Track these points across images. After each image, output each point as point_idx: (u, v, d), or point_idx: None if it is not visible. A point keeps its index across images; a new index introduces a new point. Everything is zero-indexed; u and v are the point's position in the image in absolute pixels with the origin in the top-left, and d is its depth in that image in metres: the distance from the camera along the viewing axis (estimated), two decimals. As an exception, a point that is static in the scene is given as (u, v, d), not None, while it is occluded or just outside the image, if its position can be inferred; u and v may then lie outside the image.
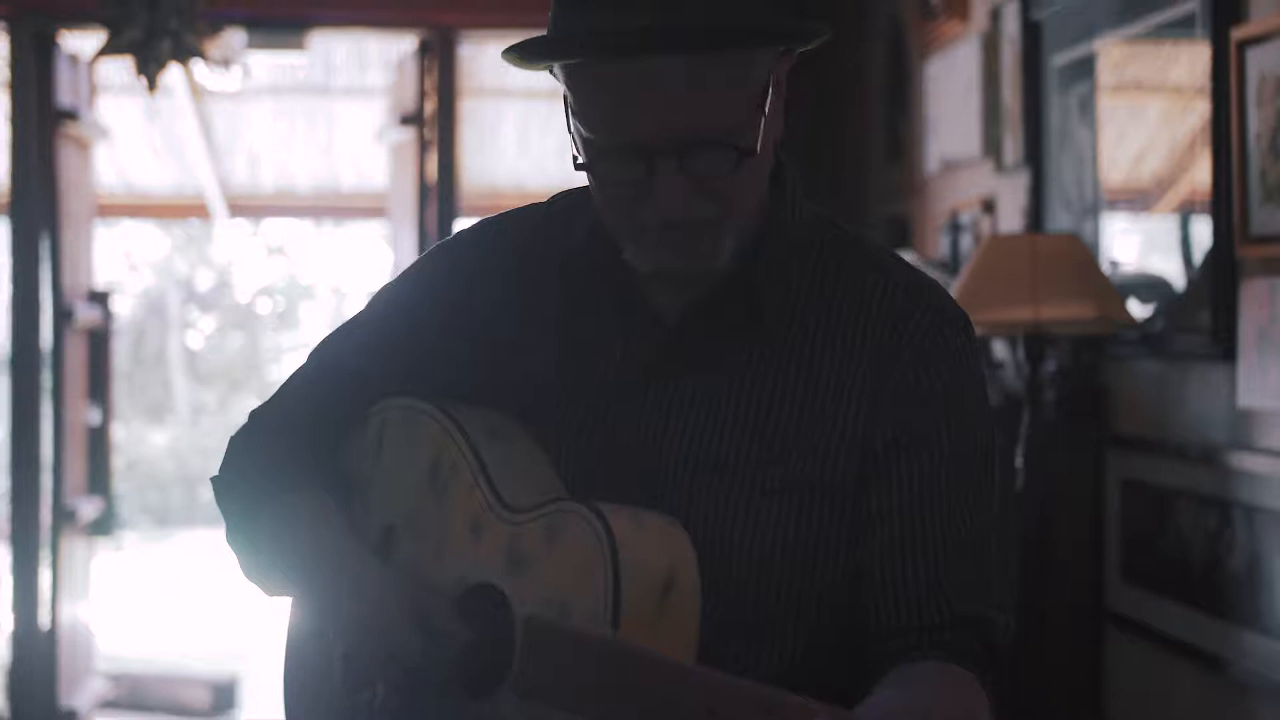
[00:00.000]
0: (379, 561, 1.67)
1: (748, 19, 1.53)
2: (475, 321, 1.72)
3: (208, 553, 13.40)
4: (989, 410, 1.66)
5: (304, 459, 1.76)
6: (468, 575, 1.61)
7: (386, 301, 1.80)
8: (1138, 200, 3.90)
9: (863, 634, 1.61)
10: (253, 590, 1.81)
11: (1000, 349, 4.18)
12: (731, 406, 1.62)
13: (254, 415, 1.82)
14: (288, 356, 17.38)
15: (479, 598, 1.60)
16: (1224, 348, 3.35)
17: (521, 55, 1.56)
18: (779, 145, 1.64)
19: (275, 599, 1.79)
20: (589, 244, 1.66)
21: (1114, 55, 3.91)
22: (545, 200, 1.78)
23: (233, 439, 1.81)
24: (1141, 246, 3.93)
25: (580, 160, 1.57)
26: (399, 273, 1.81)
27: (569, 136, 1.59)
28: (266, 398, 1.85)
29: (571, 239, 1.68)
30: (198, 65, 5.09)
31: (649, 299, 1.65)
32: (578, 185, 1.69)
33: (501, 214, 1.80)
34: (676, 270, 1.60)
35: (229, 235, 16.57)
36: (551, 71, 1.60)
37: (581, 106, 1.55)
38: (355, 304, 17.07)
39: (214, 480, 1.79)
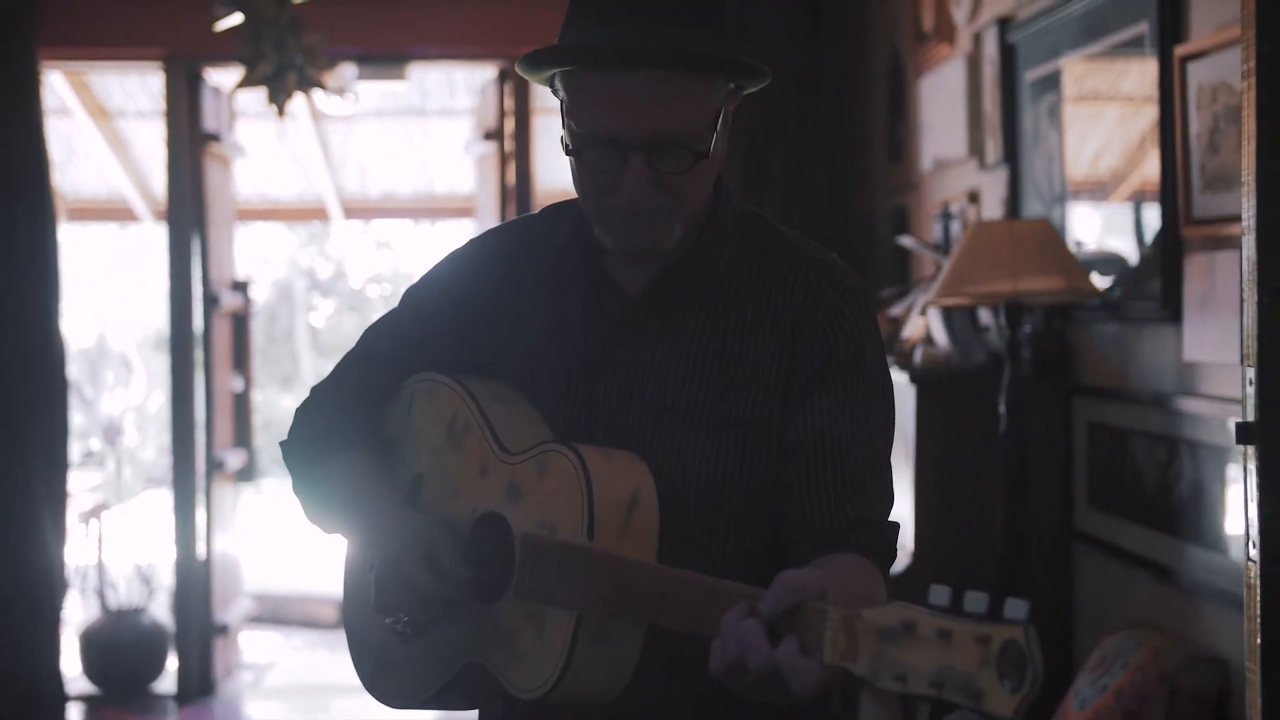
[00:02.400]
0: (407, 509, 1.75)
1: (715, 52, 1.61)
2: (480, 309, 1.80)
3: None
4: (884, 362, 1.74)
5: (349, 425, 1.84)
6: (478, 507, 1.71)
7: (413, 298, 1.88)
8: (1097, 191, 3.89)
9: (785, 539, 1.69)
10: (314, 529, 1.91)
11: (985, 316, 4.18)
12: (681, 363, 1.70)
13: (314, 390, 1.91)
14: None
15: (486, 524, 1.70)
16: (1171, 312, 3.34)
17: (530, 64, 1.65)
18: (723, 161, 1.72)
19: (331, 537, 1.89)
20: (571, 239, 1.75)
21: (1075, 71, 3.90)
22: (537, 211, 1.88)
23: (297, 410, 1.90)
24: (1100, 229, 3.92)
25: (570, 147, 1.65)
26: (423, 274, 1.90)
27: (562, 130, 1.68)
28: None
29: (557, 236, 1.77)
30: (318, 94, 5.11)
31: (616, 279, 1.74)
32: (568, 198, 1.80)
33: (502, 224, 1.90)
34: (634, 248, 1.68)
35: (344, 233, 16.64)
36: (551, 84, 1.68)
37: (574, 106, 1.64)
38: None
39: (282, 444, 1.89)
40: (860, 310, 1.71)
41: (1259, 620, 1.74)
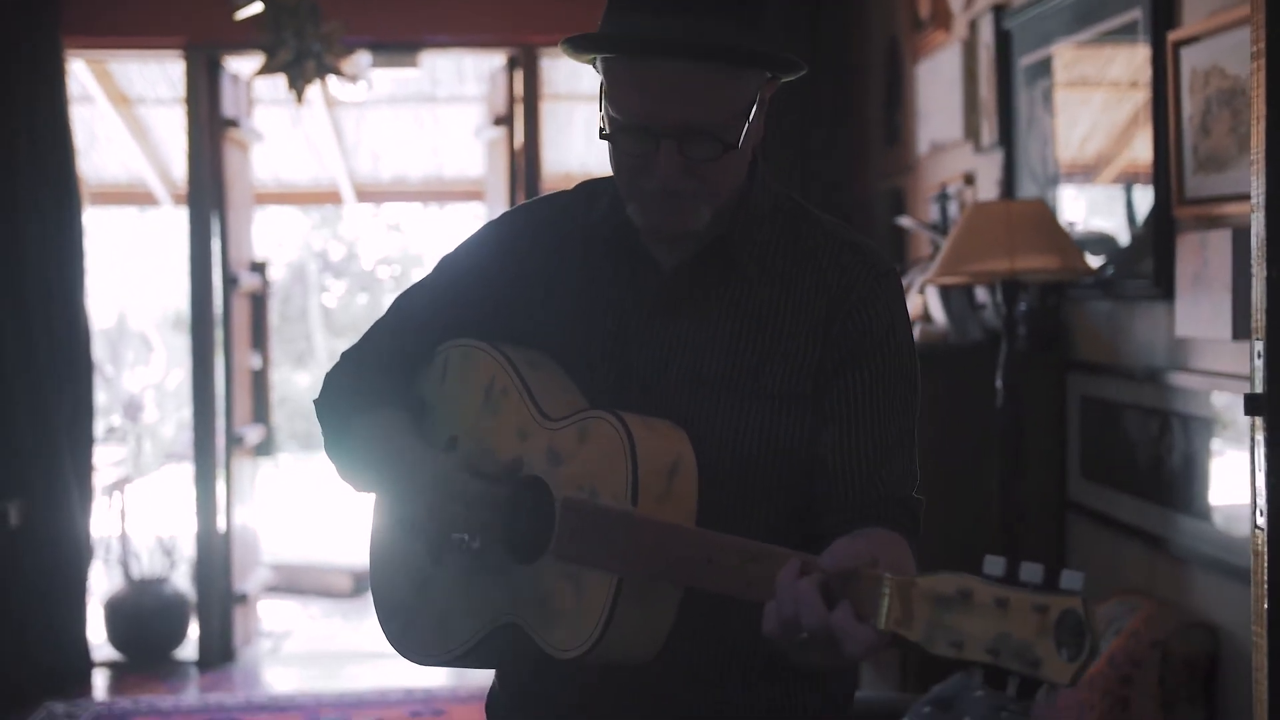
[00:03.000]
0: (444, 456, 1.74)
1: (747, 45, 1.60)
2: (515, 279, 1.79)
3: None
4: (912, 343, 1.74)
5: (384, 386, 1.83)
6: (516, 470, 1.70)
7: (447, 266, 1.86)
8: (1087, 172, 3.88)
9: (816, 510, 1.68)
10: (346, 488, 1.89)
11: (982, 294, 4.17)
12: (717, 335, 1.69)
13: (345, 355, 1.89)
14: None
15: (527, 487, 1.68)
16: (1163, 289, 3.34)
17: (574, 46, 1.65)
18: (759, 146, 1.71)
19: (363, 493, 1.87)
20: (608, 216, 1.74)
21: (1067, 56, 3.88)
22: (571, 188, 1.87)
23: (328, 374, 1.89)
24: (1090, 209, 3.91)
25: (605, 131, 1.65)
26: (458, 244, 1.88)
27: (599, 113, 1.67)
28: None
29: (593, 213, 1.77)
30: (333, 80, 5.09)
31: (651, 254, 1.73)
32: (602, 175, 1.79)
33: (536, 198, 1.89)
34: (663, 229, 1.67)
35: (356, 216, 16.61)
36: (594, 64, 1.67)
37: (612, 91, 1.63)
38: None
39: (315, 403, 1.88)
40: (892, 292, 1.71)
41: (1266, 586, 1.73)
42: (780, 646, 1.43)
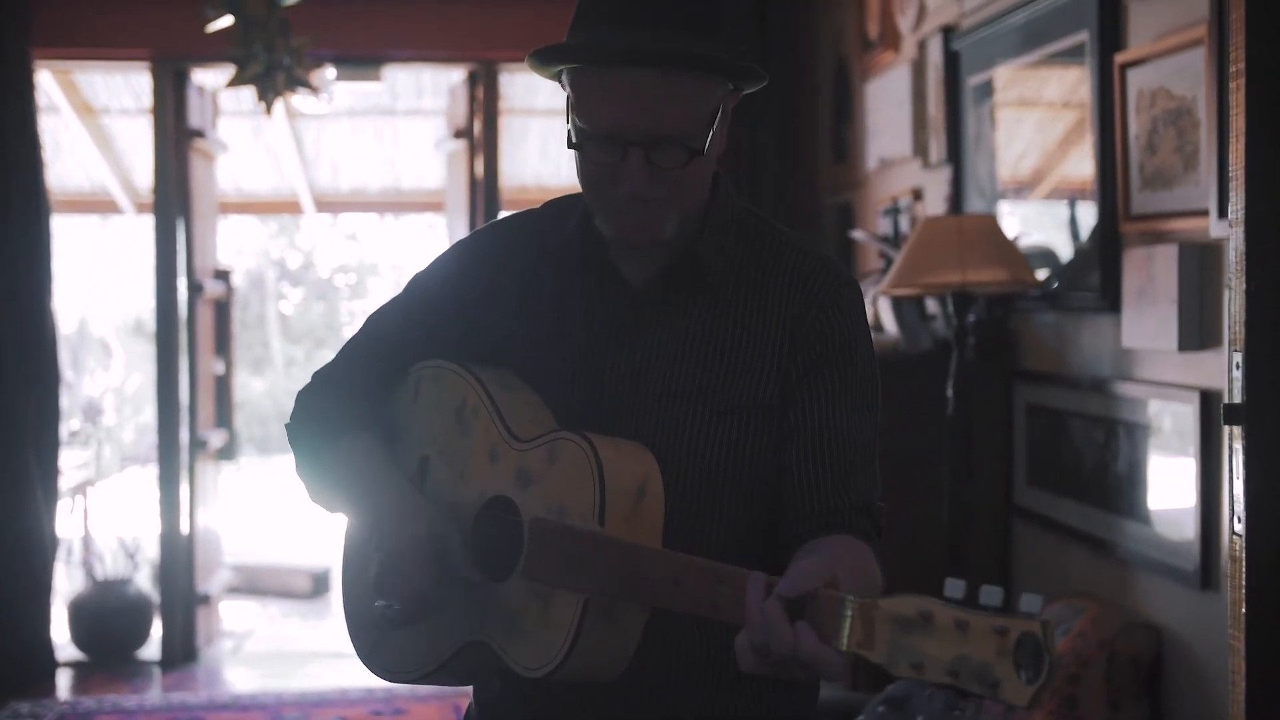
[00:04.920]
0: (414, 490, 1.71)
1: (711, 54, 1.58)
2: (485, 297, 1.76)
3: (300, 472, 13.37)
4: (873, 353, 1.72)
5: (356, 409, 1.79)
6: (486, 491, 1.66)
7: (419, 286, 1.82)
8: (1027, 189, 3.89)
9: (784, 519, 1.66)
10: (318, 509, 1.84)
11: (933, 304, 4.17)
12: (686, 349, 1.66)
13: (316, 375, 1.85)
14: (359, 319, 17.38)
15: (494, 506, 1.65)
16: (1109, 302, 3.35)
17: (541, 60, 1.63)
18: (722, 157, 1.69)
19: (335, 515, 1.83)
20: (577, 232, 1.71)
21: (1011, 77, 3.90)
22: (539, 205, 1.83)
23: (300, 393, 1.85)
24: (1031, 224, 3.92)
25: (573, 141, 1.62)
26: (429, 263, 1.84)
27: (566, 125, 1.64)
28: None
29: (563, 230, 1.73)
30: (299, 92, 5.03)
31: (620, 271, 1.70)
32: (570, 192, 1.77)
33: (504, 217, 1.86)
34: (632, 238, 1.64)
35: (314, 226, 16.49)
36: (560, 78, 1.65)
37: (579, 103, 1.61)
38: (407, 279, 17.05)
39: (287, 426, 1.83)
40: (853, 302, 1.70)
41: (1244, 590, 1.73)
42: (753, 665, 1.41)
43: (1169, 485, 3.14)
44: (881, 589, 1.52)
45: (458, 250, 1.83)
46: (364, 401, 1.80)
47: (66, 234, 13.20)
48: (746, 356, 1.66)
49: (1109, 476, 3.40)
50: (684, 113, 1.58)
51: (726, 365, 1.66)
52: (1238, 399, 1.78)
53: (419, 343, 1.79)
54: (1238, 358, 1.78)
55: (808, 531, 1.62)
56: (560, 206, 1.79)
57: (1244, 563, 1.74)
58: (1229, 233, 1.84)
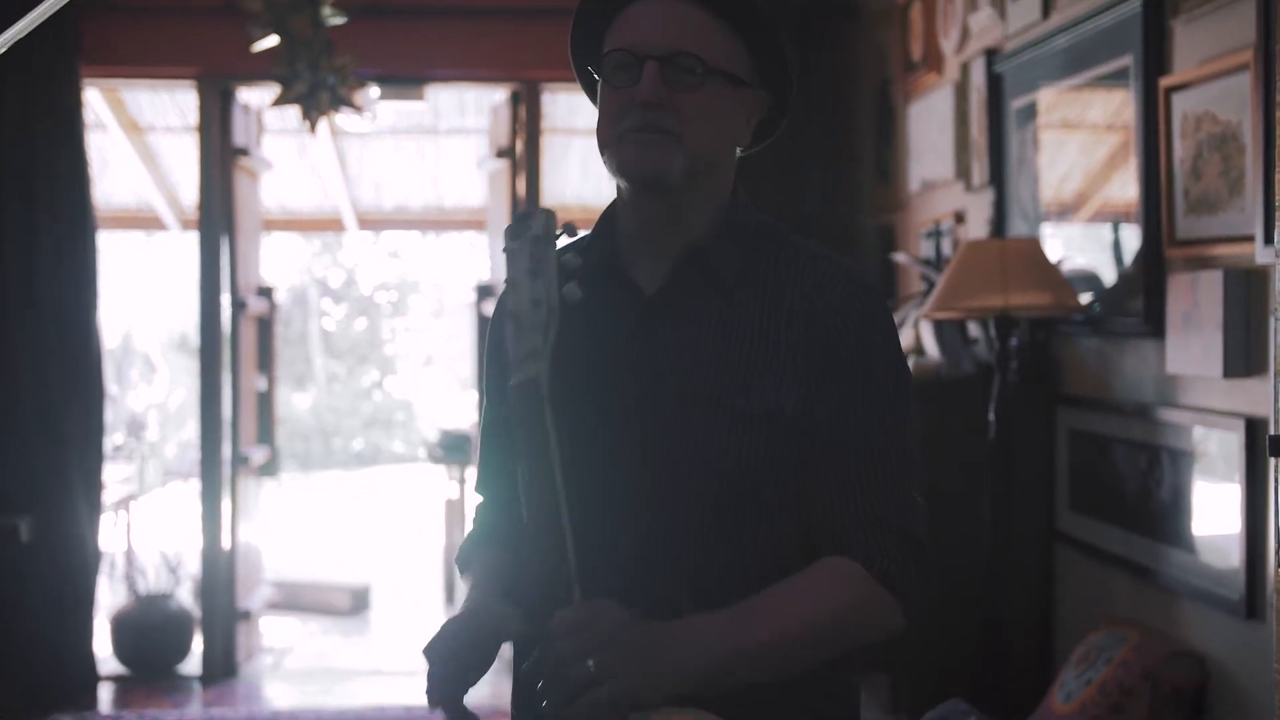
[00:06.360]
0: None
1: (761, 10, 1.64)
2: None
3: (341, 489, 13.46)
4: (901, 358, 1.67)
5: (479, 562, 1.77)
6: None
7: (484, 376, 1.82)
8: (1072, 211, 3.87)
9: (810, 529, 1.62)
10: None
11: (974, 328, 4.15)
12: (701, 353, 1.63)
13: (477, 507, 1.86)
14: (400, 336, 17.44)
15: None
16: (1153, 327, 3.33)
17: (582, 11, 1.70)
18: (737, 151, 1.70)
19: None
20: (590, 245, 1.71)
21: (1054, 100, 3.88)
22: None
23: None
24: (1075, 248, 3.90)
25: (597, 77, 1.67)
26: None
27: (598, 86, 1.67)
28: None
29: (578, 244, 1.71)
30: (342, 111, 5.07)
31: (630, 274, 1.69)
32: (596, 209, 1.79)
33: None
34: (639, 169, 1.63)
35: (356, 243, 16.58)
36: (594, 71, 1.68)
37: (613, 33, 1.66)
38: (451, 294, 17.10)
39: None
40: (870, 305, 1.66)
41: (1286, 625, 1.71)
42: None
43: (1214, 513, 3.11)
44: (838, 631, 1.54)
45: (491, 320, 1.82)
46: (483, 550, 1.79)
47: (113, 250, 13.34)
48: (764, 362, 1.62)
49: (1152, 503, 3.37)
50: (705, 41, 1.62)
51: (744, 369, 1.62)
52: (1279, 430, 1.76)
53: (503, 417, 1.76)
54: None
55: (823, 548, 1.59)
56: (577, 242, 1.77)
57: (1286, 597, 1.71)
58: (1274, 260, 1.82)
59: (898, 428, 1.63)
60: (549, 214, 1.52)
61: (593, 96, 1.73)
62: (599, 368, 1.66)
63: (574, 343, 1.65)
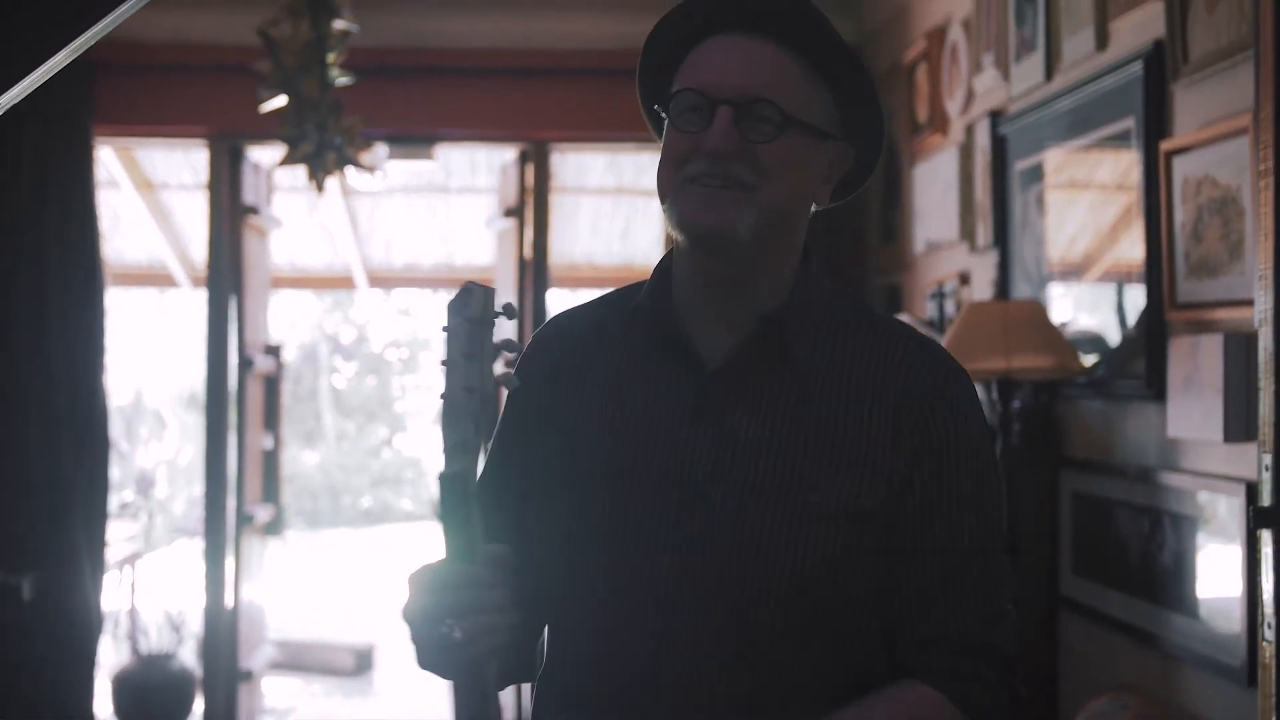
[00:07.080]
0: None
1: (831, 36, 1.49)
2: (550, 398, 1.59)
3: (348, 547, 13.43)
4: (989, 451, 1.54)
5: None
6: None
7: (505, 411, 1.67)
8: (1076, 273, 3.88)
9: (889, 634, 1.50)
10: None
11: (978, 391, 4.15)
12: (769, 438, 1.47)
13: None
14: (411, 394, 17.47)
15: None
16: (1155, 390, 3.32)
17: (653, 39, 1.55)
18: (812, 213, 1.57)
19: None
20: (649, 299, 1.56)
21: (1059, 161, 3.90)
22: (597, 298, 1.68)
23: None
24: (1080, 310, 3.90)
25: (664, 118, 1.52)
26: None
27: (663, 133, 1.53)
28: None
29: (634, 299, 1.58)
30: (351, 171, 5.11)
31: (696, 347, 1.52)
32: (618, 270, 1.69)
33: (565, 311, 1.69)
34: (704, 224, 1.47)
35: (367, 301, 16.66)
36: (663, 108, 1.53)
37: (685, 69, 1.51)
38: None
39: None
40: (960, 394, 1.51)
41: (1275, 699, 1.69)
42: None
43: (1215, 579, 3.10)
44: None
45: (522, 362, 1.65)
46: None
47: (125, 306, 13.40)
48: (841, 453, 1.46)
49: (1154, 568, 3.36)
50: (788, 85, 1.48)
51: (818, 460, 1.46)
52: (1267, 501, 1.74)
53: (512, 466, 1.62)
54: (1267, 459, 1.74)
55: (901, 665, 1.48)
56: (625, 289, 1.63)
57: (1275, 670, 1.68)
58: (1258, 330, 1.82)
59: (987, 532, 1.50)
60: (488, 293, 1.38)
61: (658, 132, 1.57)
62: (656, 448, 1.50)
63: (626, 415, 1.53)
